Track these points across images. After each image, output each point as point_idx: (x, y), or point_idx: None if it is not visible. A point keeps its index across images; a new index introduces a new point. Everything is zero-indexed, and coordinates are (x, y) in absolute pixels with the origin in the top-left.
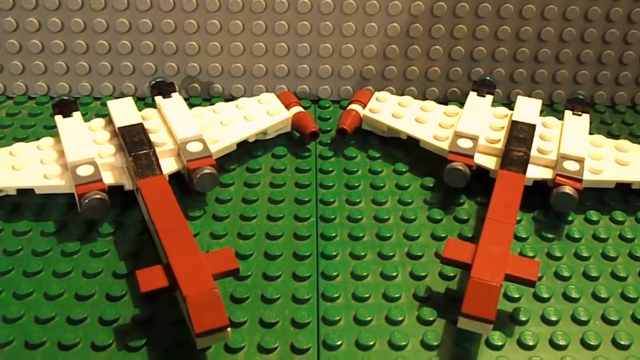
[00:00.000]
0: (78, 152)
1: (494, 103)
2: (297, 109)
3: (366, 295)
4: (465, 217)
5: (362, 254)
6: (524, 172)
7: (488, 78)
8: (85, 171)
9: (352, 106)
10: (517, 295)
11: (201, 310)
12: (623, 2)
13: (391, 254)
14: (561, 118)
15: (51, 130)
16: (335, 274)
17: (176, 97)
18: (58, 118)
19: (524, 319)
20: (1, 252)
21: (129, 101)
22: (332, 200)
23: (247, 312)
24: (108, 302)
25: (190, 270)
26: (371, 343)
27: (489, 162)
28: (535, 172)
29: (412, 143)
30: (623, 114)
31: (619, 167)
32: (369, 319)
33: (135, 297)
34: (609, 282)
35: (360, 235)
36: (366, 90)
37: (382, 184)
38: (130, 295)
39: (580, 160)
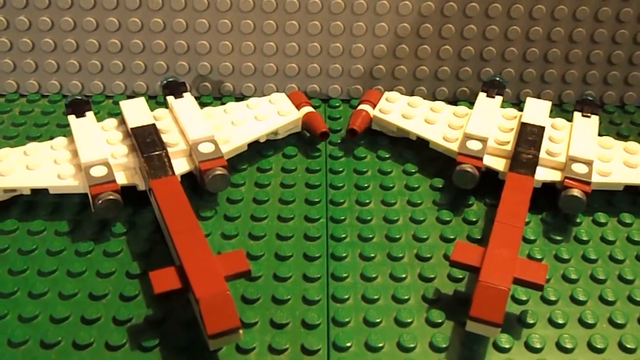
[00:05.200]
0: (91, 152)
1: (504, 103)
2: (308, 109)
3: (376, 297)
4: (474, 219)
5: (372, 255)
6: (533, 174)
7: (498, 78)
8: (98, 172)
9: (362, 106)
10: (524, 298)
11: (213, 312)
12: (634, 2)
13: (400, 255)
14: (570, 119)
15: (64, 128)
16: (345, 275)
17: (188, 97)
18: (71, 118)
19: (531, 321)
20: (16, 251)
21: (141, 101)
22: (342, 200)
23: (258, 313)
24: (121, 302)
25: (203, 273)
26: (380, 345)
27: (498, 164)
28: (544, 174)
29: (421, 144)
30: (632, 114)
31: (627, 169)
32: (378, 320)
33: (149, 297)
34: (616, 284)
35: (370, 236)
36: (376, 90)
37: (391, 185)
38: (143, 295)
39: (588, 163)
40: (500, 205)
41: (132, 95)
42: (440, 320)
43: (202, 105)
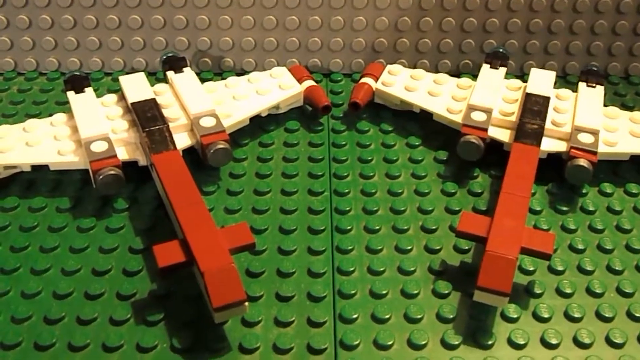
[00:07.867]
0: (92, 128)
1: (507, 75)
2: (309, 82)
3: (381, 269)
4: (479, 191)
5: (377, 227)
6: (539, 144)
7: (501, 50)
8: (99, 147)
9: (365, 79)
10: (532, 268)
11: (219, 285)
12: None
13: (405, 227)
14: (575, 90)
15: (63, 106)
16: (350, 247)
17: (188, 71)
18: (70, 94)
19: (539, 291)
20: (17, 228)
21: (141, 76)
22: (345, 174)
23: (263, 286)
24: (125, 277)
25: (207, 246)
26: (387, 317)
27: (503, 135)
28: (549, 144)
29: (425, 116)
30: (637, 85)
31: (633, 139)
32: (384, 292)
33: (152, 272)
34: (623, 254)
35: (375, 209)
36: (378, 64)
37: (395, 158)
38: (146, 270)
39: (594, 133)
40: (506, 176)
41: (132, 72)
42: (447, 292)
43: (203, 80)
